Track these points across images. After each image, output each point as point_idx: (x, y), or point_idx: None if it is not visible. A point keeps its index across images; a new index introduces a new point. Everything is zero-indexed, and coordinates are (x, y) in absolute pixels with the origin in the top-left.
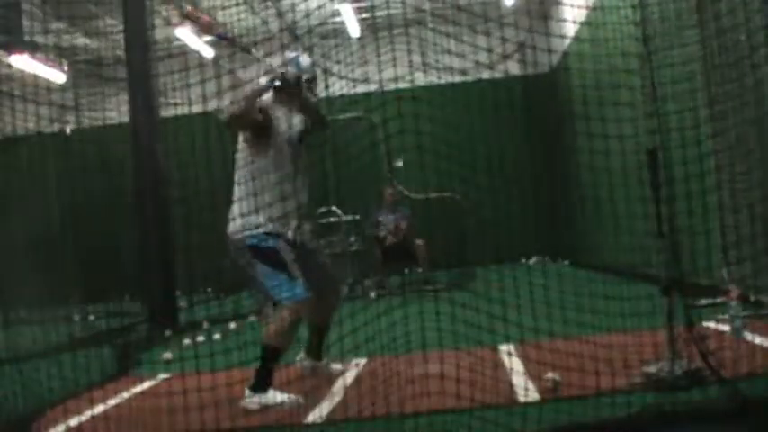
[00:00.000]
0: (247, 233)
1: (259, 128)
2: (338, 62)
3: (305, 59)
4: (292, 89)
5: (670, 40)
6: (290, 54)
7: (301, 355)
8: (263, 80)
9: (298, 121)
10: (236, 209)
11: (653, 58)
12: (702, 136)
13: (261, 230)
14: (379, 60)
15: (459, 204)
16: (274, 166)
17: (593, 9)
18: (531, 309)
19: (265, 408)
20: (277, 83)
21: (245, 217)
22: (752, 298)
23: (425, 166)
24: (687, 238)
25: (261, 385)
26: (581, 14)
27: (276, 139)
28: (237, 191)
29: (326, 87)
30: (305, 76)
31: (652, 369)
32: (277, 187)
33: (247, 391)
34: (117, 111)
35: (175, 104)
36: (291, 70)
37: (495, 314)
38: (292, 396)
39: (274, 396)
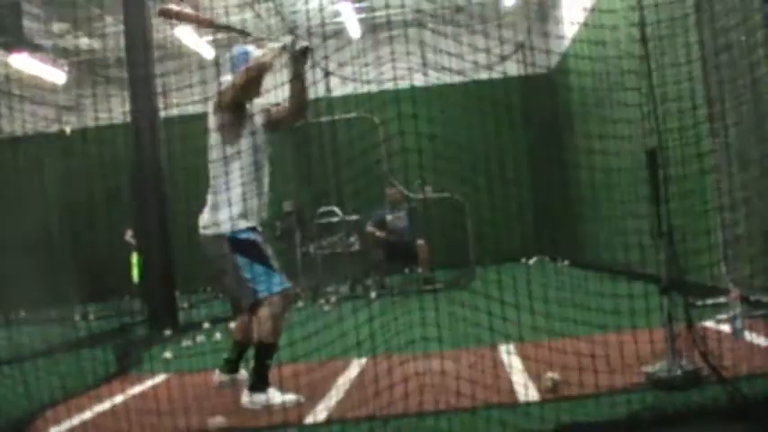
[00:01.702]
0: (226, 227)
1: (238, 109)
2: (340, 64)
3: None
4: (300, 58)
5: (669, 40)
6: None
7: (216, 372)
8: (272, 46)
9: (259, 114)
10: (210, 203)
11: (651, 58)
12: (701, 135)
13: (240, 224)
14: (379, 61)
15: (459, 204)
16: (245, 155)
17: (592, 10)
18: (531, 308)
19: (267, 407)
20: (293, 45)
21: (221, 210)
22: (752, 298)
23: (425, 166)
24: (686, 237)
25: (260, 384)
26: (580, 16)
27: (247, 127)
28: (213, 184)
29: (327, 89)
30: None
31: (652, 369)
32: (249, 178)
33: (247, 392)
34: (117, 111)
35: (176, 105)
36: (299, 42)
37: (495, 314)
38: (293, 395)
39: (275, 395)
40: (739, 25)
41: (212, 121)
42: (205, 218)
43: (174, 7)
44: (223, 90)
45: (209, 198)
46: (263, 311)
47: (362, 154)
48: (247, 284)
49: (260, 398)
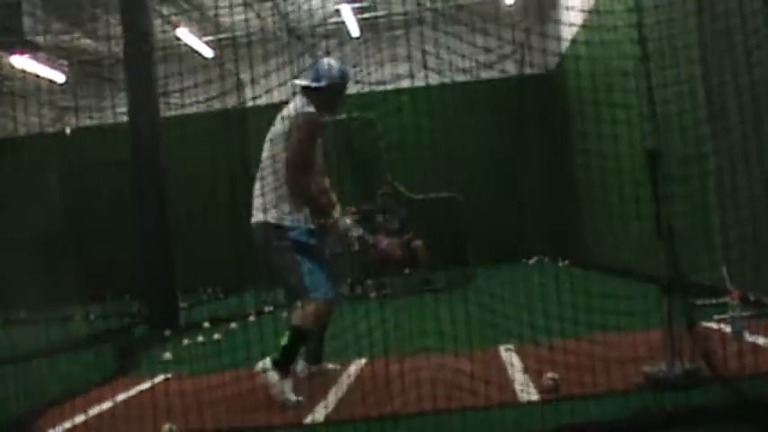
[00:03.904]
0: (290, 224)
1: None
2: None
3: (324, 66)
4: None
5: (668, 41)
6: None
7: (301, 364)
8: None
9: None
10: (274, 199)
11: (651, 60)
12: (702, 136)
13: (304, 225)
14: (380, 61)
15: (459, 204)
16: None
17: (591, 12)
18: (532, 309)
19: (276, 392)
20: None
21: (286, 209)
22: (752, 298)
23: (425, 166)
24: (687, 237)
25: (284, 364)
26: (579, 17)
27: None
28: (273, 181)
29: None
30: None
31: (652, 369)
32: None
33: (268, 363)
34: (117, 110)
35: (177, 105)
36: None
37: (496, 314)
38: (298, 398)
39: (288, 390)
40: (740, 27)
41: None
42: (268, 207)
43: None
44: (292, 148)
45: (272, 194)
46: (312, 306)
47: (361, 154)
48: (299, 285)
49: (278, 380)
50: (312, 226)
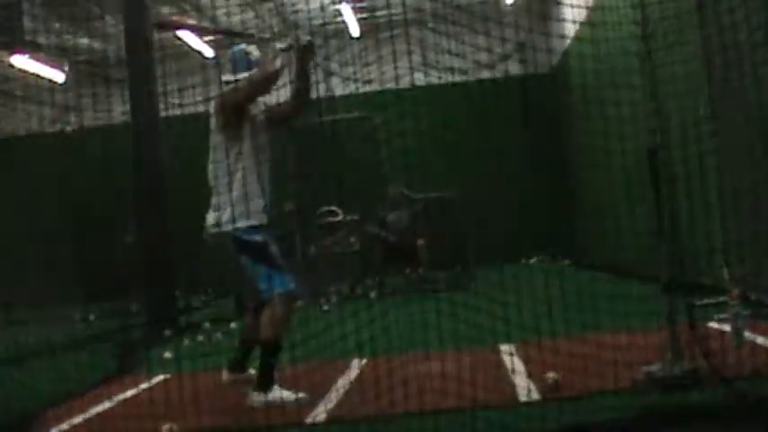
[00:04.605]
0: (228, 227)
1: (240, 110)
2: (341, 64)
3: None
4: (306, 54)
5: (671, 38)
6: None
7: (224, 372)
8: (278, 47)
9: (261, 112)
10: (217, 202)
11: (653, 56)
12: (704, 134)
13: (245, 224)
14: (380, 60)
15: (459, 204)
16: (247, 155)
17: (594, 9)
18: (532, 309)
19: (271, 405)
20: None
21: (223, 210)
22: (752, 297)
23: (425, 165)
24: (688, 236)
25: (265, 383)
26: (581, 14)
27: (248, 127)
28: (215, 185)
29: (328, 89)
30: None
31: (652, 369)
32: (252, 178)
33: (252, 391)
34: (117, 110)
35: (178, 105)
36: (302, 38)
37: (496, 314)
38: (298, 393)
39: (280, 393)
40: (742, 23)
41: (214, 122)
42: (210, 218)
43: (173, 18)
44: (226, 93)
45: (213, 199)
46: (267, 312)
47: (363, 154)
48: (251, 284)
49: (265, 396)
50: (255, 222)
